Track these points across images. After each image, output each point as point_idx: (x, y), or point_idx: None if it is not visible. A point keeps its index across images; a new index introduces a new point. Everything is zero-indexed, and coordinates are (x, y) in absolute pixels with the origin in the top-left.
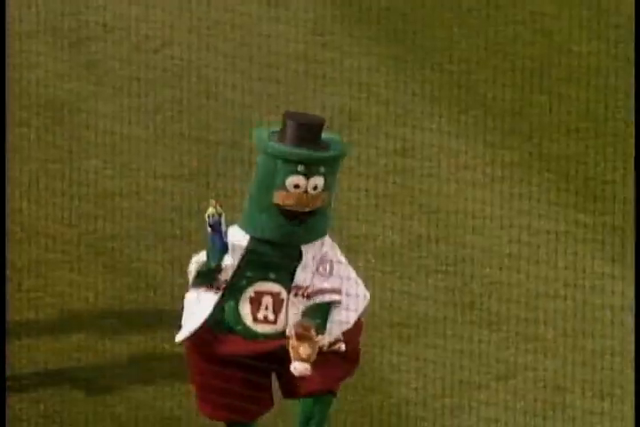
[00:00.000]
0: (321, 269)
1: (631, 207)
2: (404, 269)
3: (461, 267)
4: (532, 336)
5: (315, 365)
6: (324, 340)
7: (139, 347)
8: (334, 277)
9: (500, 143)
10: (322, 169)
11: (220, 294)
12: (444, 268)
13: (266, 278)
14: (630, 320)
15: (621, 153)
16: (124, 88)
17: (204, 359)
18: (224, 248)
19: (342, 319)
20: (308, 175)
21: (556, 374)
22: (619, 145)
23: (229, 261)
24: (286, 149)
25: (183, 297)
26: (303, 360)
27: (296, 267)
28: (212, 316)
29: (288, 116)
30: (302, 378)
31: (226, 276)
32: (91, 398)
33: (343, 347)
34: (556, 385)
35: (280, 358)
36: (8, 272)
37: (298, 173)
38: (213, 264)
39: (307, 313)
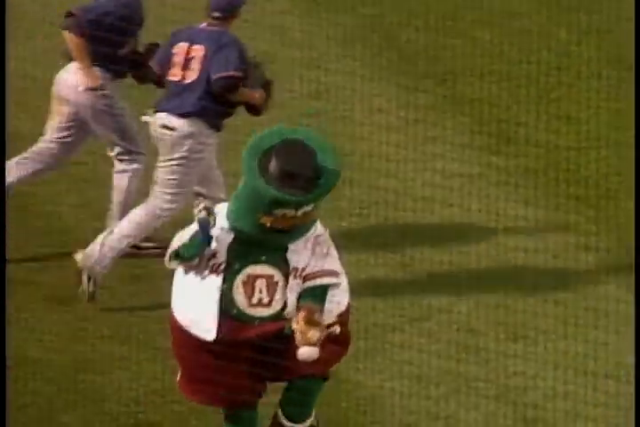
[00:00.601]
0: (318, 249)
1: (544, 151)
2: (319, 213)
3: (375, 210)
4: (446, 279)
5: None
6: (328, 323)
7: (53, 290)
8: (332, 257)
9: (414, 86)
10: (311, 205)
11: (220, 279)
12: (357, 211)
13: (257, 261)
14: (544, 262)
15: (534, 96)
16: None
17: (193, 347)
18: (204, 245)
19: (341, 301)
20: (297, 208)
21: (469, 316)
22: (531, 88)
23: (221, 246)
24: (277, 194)
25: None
26: (312, 345)
27: (287, 248)
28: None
29: (277, 151)
30: (294, 361)
31: (221, 259)
32: None
33: (338, 329)
34: (469, 328)
35: (276, 340)
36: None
37: (286, 207)
38: (187, 255)
39: (308, 296)
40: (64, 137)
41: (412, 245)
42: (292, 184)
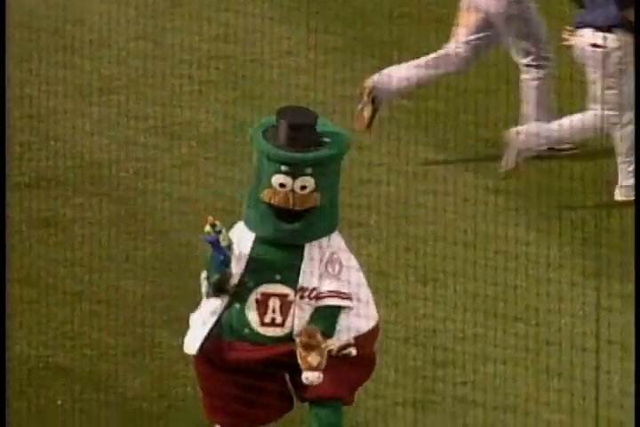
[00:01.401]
0: (330, 269)
1: (454, 94)
2: (227, 155)
3: None
4: (356, 222)
5: (324, 370)
6: (333, 344)
7: None
8: (344, 279)
9: (323, 28)
10: (309, 170)
11: (226, 298)
12: None
13: (272, 280)
14: (453, 205)
15: (443, 38)
16: None
17: (210, 367)
18: (224, 263)
19: (351, 326)
20: (293, 175)
21: (379, 259)
22: (441, 30)
23: (235, 268)
24: (270, 147)
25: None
26: (313, 369)
27: (300, 267)
28: (217, 322)
29: (280, 113)
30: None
31: (234, 280)
32: None
33: (354, 352)
34: (379, 270)
35: (290, 361)
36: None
37: (282, 172)
38: (214, 279)
39: (313, 318)
40: (474, 40)
41: None
42: (292, 142)
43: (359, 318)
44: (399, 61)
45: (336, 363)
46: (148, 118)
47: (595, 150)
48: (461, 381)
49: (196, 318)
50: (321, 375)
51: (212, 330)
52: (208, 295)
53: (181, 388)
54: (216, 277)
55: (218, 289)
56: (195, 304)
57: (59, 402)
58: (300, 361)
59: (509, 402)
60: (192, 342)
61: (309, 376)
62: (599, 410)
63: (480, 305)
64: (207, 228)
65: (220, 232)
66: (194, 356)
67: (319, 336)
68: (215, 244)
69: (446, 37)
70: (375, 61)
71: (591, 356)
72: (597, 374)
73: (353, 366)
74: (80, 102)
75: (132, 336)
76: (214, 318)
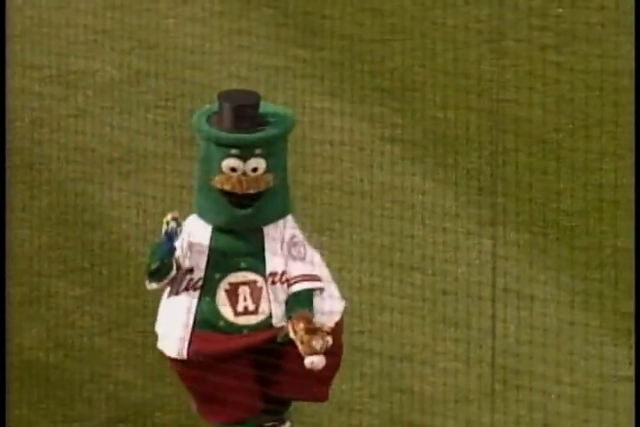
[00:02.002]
0: (294, 252)
1: (349, 43)
2: (123, 105)
3: (180, 102)
4: None
5: (301, 371)
6: (329, 326)
7: None
8: (309, 261)
9: None
10: (258, 151)
11: (197, 293)
12: (163, 103)
13: (237, 268)
14: (350, 154)
15: None
16: None
17: (188, 365)
18: (169, 253)
19: (325, 309)
20: (243, 158)
21: None
22: None
23: (197, 262)
24: (217, 132)
25: None
26: (317, 353)
27: (264, 251)
28: (195, 319)
29: (222, 97)
30: (292, 381)
31: (199, 273)
32: None
33: (331, 340)
34: None
35: (265, 350)
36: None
37: (232, 155)
38: (154, 266)
39: (295, 303)
40: None
41: None
42: (237, 124)
43: (332, 300)
44: (295, 11)
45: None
46: (43, 68)
47: (492, 98)
48: (358, 330)
49: (172, 318)
50: (324, 359)
51: (193, 330)
52: (148, 282)
53: (77, 338)
54: (156, 265)
55: (153, 276)
56: (90, 255)
57: None
58: (301, 347)
59: (406, 351)
60: (177, 346)
61: (315, 360)
62: (495, 359)
63: (376, 255)
64: (169, 219)
65: (179, 226)
66: (170, 358)
67: (315, 320)
68: (171, 237)
69: None
70: (270, 11)
71: (487, 305)
72: (493, 323)
73: (329, 356)
74: None
75: (29, 286)
76: (192, 317)
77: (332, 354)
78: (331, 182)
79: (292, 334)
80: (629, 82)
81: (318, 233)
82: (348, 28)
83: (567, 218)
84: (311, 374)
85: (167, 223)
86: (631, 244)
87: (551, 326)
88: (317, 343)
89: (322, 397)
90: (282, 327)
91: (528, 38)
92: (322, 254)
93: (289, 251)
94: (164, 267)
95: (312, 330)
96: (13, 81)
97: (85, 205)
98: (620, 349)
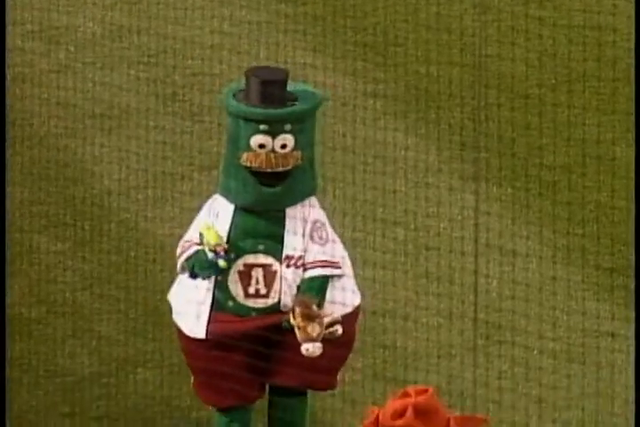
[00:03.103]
0: (316, 237)
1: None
2: (105, 60)
3: (163, 58)
4: None
5: (311, 358)
6: (330, 315)
7: None
8: (330, 249)
9: None
10: (288, 127)
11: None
12: (145, 59)
13: (255, 250)
14: (333, 109)
15: None
16: None
17: (195, 343)
18: (214, 272)
19: (342, 300)
20: (273, 134)
21: None
22: None
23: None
24: (246, 108)
25: None
26: (313, 340)
27: (283, 235)
28: (214, 300)
29: (250, 72)
30: (297, 371)
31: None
32: None
33: (340, 331)
34: None
35: (271, 336)
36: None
37: (261, 131)
38: (201, 276)
39: (305, 287)
40: None
41: (200, 94)
42: (266, 99)
43: (344, 292)
44: None
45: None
46: (25, 23)
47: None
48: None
49: (190, 297)
50: (320, 346)
51: (211, 308)
52: (182, 270)
53: (60, 293)
54: (200, 272)
55: (193, 277)
56: (72, 210)
57: None
58: (298, 333)
59: (388, 306)
60: (197, 325)
61: (310, 347)
62: (478, 314)
63: (359, 210)
64: (217, 249)
65: (225, 254)
66: (185, 335)
67: (315, 306)
68: (217, 262)
69: None
70: None
71: (470, 260)
72: (476, 279)
73: (337, 347)
74: None
75: (11, 242)
76: (210, 295)
77: (341, 345)
78: (316, 137)
79: (291, 320)
80: (612, 36)
81: None
82: None
83: (550, 173)
84: (315, 363)
85: (215, 251)
86: (614, 200)
87: (533, 282)
88: (314, 330)
89: (327, 386)
90: (287, 312)
91: None
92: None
93: (311, 234)
94: (204, 276)
95: (309, 316)
96: None
97: (67, 161)
98: (602, 304)
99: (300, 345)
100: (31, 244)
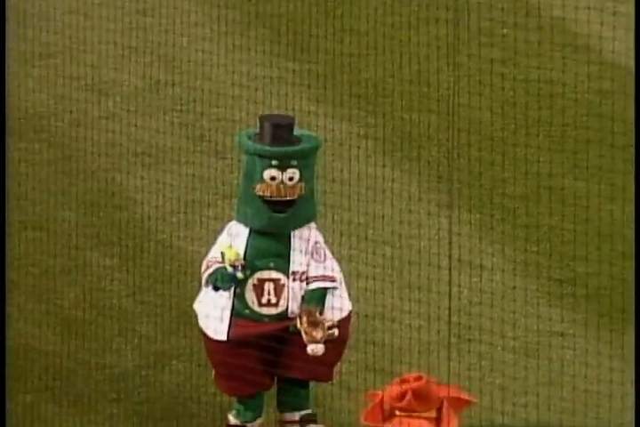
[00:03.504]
0: (316, 256)
1: (331, 57)
2: (145, 109)
3: (193, 106)
4: None
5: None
6: (330, 320)
7: None
8: (328, 265)
9: (225, 4)
10: (294, 162)
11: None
12: (178, 107)
13: (266, 267)
14: (331, 149)
15: (323, 12)
16: None
17: (217, 343)
18: (233, 283)
19: (339, 306)
20: (282, 168)
21: None
22: (321, 5)
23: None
24: (261, 147)
25: None
26: (317, 342)
27: (289, 253)
28: (233, 306)
29: (264, 118)
30: (301, 364)
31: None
32: None
33: (337, 333)
34: None
35: (281, 335)
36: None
37: (272, 166)
38: (222, 288)
39: (308, 298)
40: None
41: (224, 136)
42: (277, 140)
43: (341, 299)
44: (287, 31)
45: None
46: (80, 78)
47: (449, 103)
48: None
49: (212, 305)
50: (322, 346)
51: (231, 314)
52: (206, 284)
53: (108, 300)
54: (221, 285)
55: (216, 289)
56: (118, 231)
57: (8, 311)
58: (304, 336)
59: (378, 311)
60: (219, 329)
61: (315, 348)
62: (451, 317)
63: (353, 231)
64: (236, 264)
65: (243, 268)
66: (207, 336)
67: (317, 313)
68: (236, 274)
69: (324, 11)
70: (267, 31)
71: (445, 273)
72: (450, 288)
73: (335, 346)
74: (24, 65)
75: (68, 257)
76: (230, 303)
77: (338, 343)
78: (316, 172)
79: (298, 325)
80: (562, 89)
81: None
82: (330, 45)
83: (511, 201)
84: (317, 358)
85: (234, 266)
86: (563, 223)
87: (497, 290)
88: (318, 334)
89: (327, 378)
90: (294, 318)
91: (478, 53)
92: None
93: (312, 254)
94: (225, 289)
95: (314, 323)
96: (56, 89)
97: (114, 191)
98: (554, 309)
99: (304, 344)
100: (85, 259)
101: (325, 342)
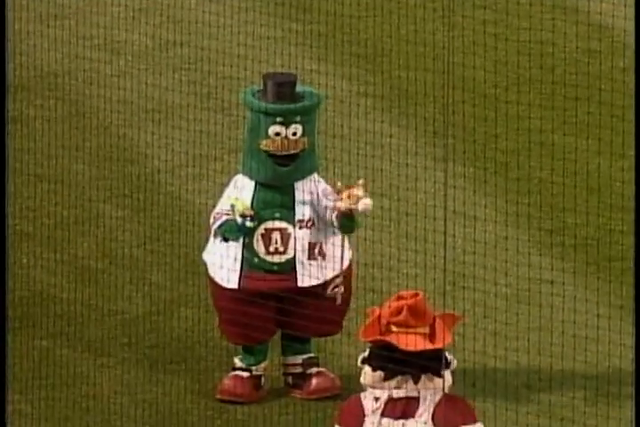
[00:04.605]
0: (330, 197)
1: (332, 18)
2: (155, 67)
3: (200, 65)
4: None
5: (316, 311)
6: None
7: None
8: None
9: None
10: (297, 118)
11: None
12: (186, 66)
13: (272, 218)
14: (332, 106)
15: None
16: None
17: (226, 291)
18: (242, 233)
19: (345, 256)
20: (285, 124)
21: None
22: None
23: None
24: (265, 104)
25: None
26: (362, 197)
27: (294, 204)
28: (243, 258)
29: (267, 76)
30: (309, 322)
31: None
32: None
33: (342, 289)
34: None
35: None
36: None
37: (277, 122)
38: (232, 238)
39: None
40: None
41: (230, 92)
42: (280, 97)
43: (343, 249)
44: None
45: (325, 305)
46: (92, 38)
47: (444, 61)
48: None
49: (223, 253)
50: (370, 202)
51: (242, 264)
52: (215, 236)
53: (119, 249)
54: (231, 235)
55: (226, 240)
56: (130, 184)
57: (24, 261)
58: (347, 201)
59: (377, 260)
60: (230, 278)
61: (365, 203)
62: (446, 265)
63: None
64: (246, 212)
65: (251, 219)
66: (216, 284)
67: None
68: (244, 224)
69: None
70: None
71: (440, 223)
72: (445, 238)
73: (340, 303)
74: (39, 25)
75: (81, 209)
76: (240, 253)
77: (343, 301)
78: (318, 128)
79: (344, 203)
80: (551, 49)
81: None
82: (331, 7)
83: (503, 155)
84: (325, 317)
85: (243, 215)
86: (552, 177)
87: (490, 240)
88: (358, 191)
89: (334, 333)
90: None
91: (472, 15)
92: None
93: (324, 199)
94: (234, 238)
95: (351, 194)
96: (70, 48)
97: (126, 146)
98: (544, 258)
99: (313, 304)
100: (97, 210)
101: (331, 300)
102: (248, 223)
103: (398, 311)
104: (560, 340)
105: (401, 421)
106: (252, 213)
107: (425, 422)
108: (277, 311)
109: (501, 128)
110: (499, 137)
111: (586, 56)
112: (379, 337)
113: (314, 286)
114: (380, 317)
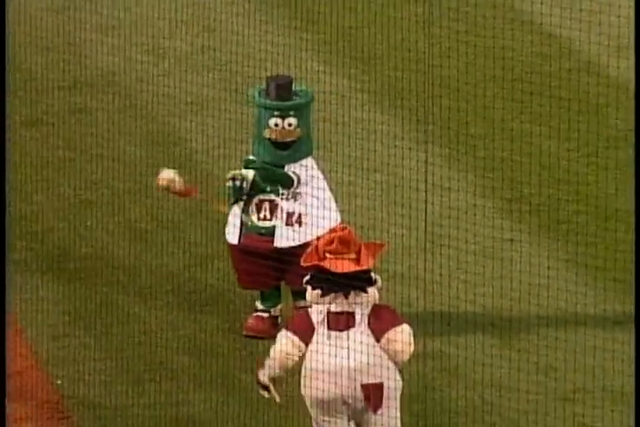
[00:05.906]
0: (310, 182)
1: (338, 30)
2: (193, 68)
3: (229, 66)
4: None
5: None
6: None
7: None
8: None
9: None
10: (291, 112)
11: (242, 204)
12: (219, 67)
13: (264, 191)
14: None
15: None
16: None
17: (235, 248)
18: (241, 192)
19: (328, 216)
20: (282, 117)
21: None
22: None
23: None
24: (267, 102)
25: None
26: None
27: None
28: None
29: (269, 78)
30: (294, 275)
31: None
32: None
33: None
34: None
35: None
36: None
37: (275, 116)
38: (233, 196)
39: None
40: None
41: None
42: (279, 95)
43: (330, 211)
44: (301, 11)
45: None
46: (142, 44)
47: (425, 64)
48: (340, 209)
49: (230, 221)
50: None
51: (241, 225)
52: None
53: (165, 214)
54: (234, 196)
55: (235, 199)
56: (173, 162)
57: (88, 223)
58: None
59: (370, 223)
60: (234, 234)
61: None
62: (427, 228)
63: (352, 162)
64: (235, 177)
65: (242, 179)
66: (230, 244)
67: None
68: (240, 186)
69: None
70: (286, 10)
71: (422, 194)
72: (426, 205)
73: None
74: (100, 35)
75: (134, 182)
76: (239, 218)
77: None
78: (324, 117)
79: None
80: (511, 53)
81: (316, 148)
82: (334, 20)
83: (473, 139)
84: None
85: (233, 180)
86: (512, 156)
87: (462, 207)
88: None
89: None
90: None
91: (448, 26)
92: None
93: (309, 179)
94: (237, 197)
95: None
96: (124, 53)
97: (169, 131)
98: (505, 221)
99: (294, 261)
100: (147, 183)
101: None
102: (237, 183)
103: (331, 241)
104: (518, 286)
105: (345, 332)
106: (239, 176)
107: (362, 332)
108: (271, 266)
109: (471, 117)
110: (469, 124)
111: (538, 59)
112: (316, 262)
113: (292, 247)
114: (317, 246)
